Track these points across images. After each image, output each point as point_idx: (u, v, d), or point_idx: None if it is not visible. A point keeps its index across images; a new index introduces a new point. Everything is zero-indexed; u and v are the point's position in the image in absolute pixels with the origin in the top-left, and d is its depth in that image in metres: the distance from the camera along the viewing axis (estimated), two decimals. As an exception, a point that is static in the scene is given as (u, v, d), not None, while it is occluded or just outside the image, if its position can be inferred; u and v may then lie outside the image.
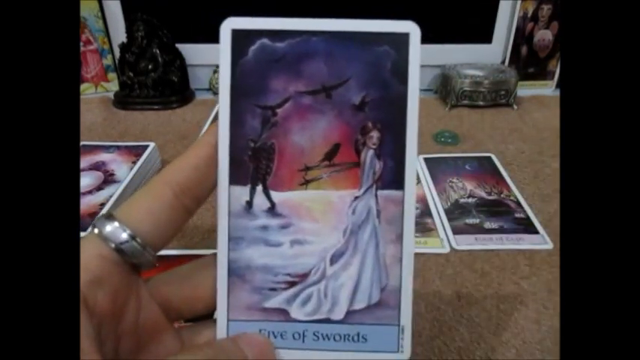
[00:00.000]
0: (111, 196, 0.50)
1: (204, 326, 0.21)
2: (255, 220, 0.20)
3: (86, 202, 0.49)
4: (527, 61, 0.86)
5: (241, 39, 0.19)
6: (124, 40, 0.80)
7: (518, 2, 0.81)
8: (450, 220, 0.49)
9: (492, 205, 0.52)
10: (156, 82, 0.79)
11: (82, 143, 0.61)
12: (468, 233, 0.47)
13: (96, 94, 0.85)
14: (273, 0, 0.68)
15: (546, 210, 0.51)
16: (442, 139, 0.67)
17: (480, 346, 0.35)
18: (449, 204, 0.52)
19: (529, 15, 0.83)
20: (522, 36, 0.84)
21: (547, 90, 0.87)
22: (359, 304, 0.20)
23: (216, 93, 0.85)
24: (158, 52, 0.80)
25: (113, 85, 0.86)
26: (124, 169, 0.55)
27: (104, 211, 0.47)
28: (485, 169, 0.59)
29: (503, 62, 0.87)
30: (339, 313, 0.20)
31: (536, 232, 0.47)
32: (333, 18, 0.19)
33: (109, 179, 0.53)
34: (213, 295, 0.20)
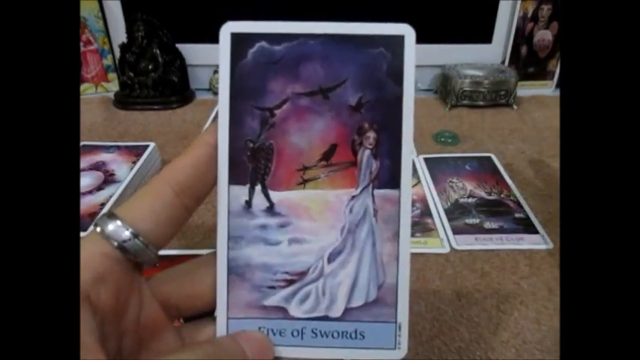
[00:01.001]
0: (111, 196, 0.50)
1: (204, 324, 0.22)
2: (254, 219, 0.20)
3: (86, 202, 0.49)
4: (527, 61, 0.86)
5: (240, 42, 0.20)
6: (124, 40, 0.80)
7: (518, 2, 0.81)
8: (450, 220, 0.49)
9: (492, 205, 0.52)
10: (156, 82, 0.79)
11: (82, 143, 0.61)
12: (468, 233, 0.47)
13: (96, 94, 0.85)
14: (272, 1, 0.69)
15: (546, 210, 0.51)
16: (442, 139, 0.67)
17: (480, 346, 0.35)
18: (449, 204, 0.52)
19: (529, 15, 0.83)
20: (522, 36, 0.84)
21: (547, 90, 0.87)
22: (356, 302, 0.20)
23: (216, 93, 0.85)
24: (158, 52, 0.80)
25: (113, 85, 0.86)
26: (124, 169, 0.55)
27: (105, 210, 0.47)
28: (485, 169, 0.59)
29: (503, 62, 0.87)
30: (336, 311, 0.20)
31: (536, 232, 0.47)
32: (330, 21, 0.20)
33: (109, 179, 0.53)
34: (212, 293, 0.20)
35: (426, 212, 0.50)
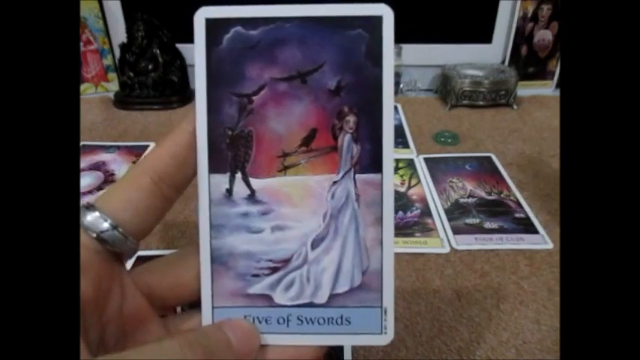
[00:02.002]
0: (111, 196, 0.50)
1: (190, 315, 0.21)
2: (236, 207, 0.20)
3: (86, 202, 0.49)
4: (527, 61, 0.86)
5: (215, 28, 0.19)
6: (124, 40, 0.80)
7: (518, 2, 0.81)
8: (450, 220, 0.49)
9: (492, 205, 0.52)
10: (156, 82, 0.79)
11: (82, 143, 0.61)
12: (468, 233, 0.47)
13: (96, 94, 0.85)
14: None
15: (546, 210, 0.51)
16: (442, 139, 0.67)
17: (480, 346, 0.35)
18: (449, 204, 0.52)
19: (529, 15, 0.83)
20: (522, 36, 0.84)
21: (547, 90, 0.87)
22: (341, 288, 0.20)
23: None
24: (158, 52, 0.80)
25: (113, 85, 0.86)
26: (124, 169, 0.55)
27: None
28: (485, 169, 0.59)
29: (503, 62, 0.87)
30: (322, 297, 0.20)
31: (536, 232, 0.47)
32: (307, 4, 0.19)
33: (109, 179, 0.53)
34: (197, 283, 0.20)
35: (426, 212, 0.50)
